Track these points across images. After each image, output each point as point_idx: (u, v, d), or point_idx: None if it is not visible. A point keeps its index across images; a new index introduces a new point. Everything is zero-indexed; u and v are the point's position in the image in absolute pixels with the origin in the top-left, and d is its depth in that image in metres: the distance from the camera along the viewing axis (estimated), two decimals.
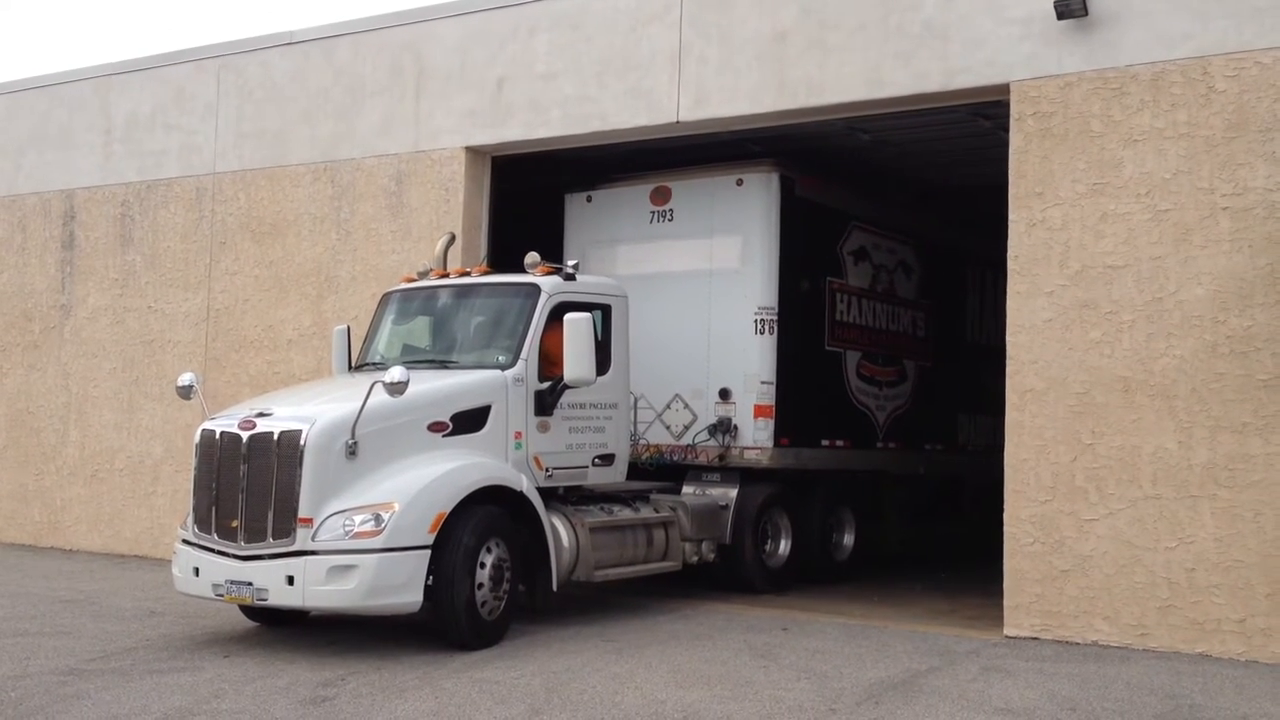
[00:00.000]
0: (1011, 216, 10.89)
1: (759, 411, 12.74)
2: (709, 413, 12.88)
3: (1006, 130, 11.11)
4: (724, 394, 12.81)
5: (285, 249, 15.16)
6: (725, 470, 12.87)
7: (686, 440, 12.97)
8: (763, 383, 12.79)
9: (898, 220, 15.25)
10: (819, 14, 11.91)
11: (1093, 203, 10.52)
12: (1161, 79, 10.30)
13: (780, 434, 12.85)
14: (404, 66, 14.45)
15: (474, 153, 14.05)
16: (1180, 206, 10.17)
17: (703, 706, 7.86)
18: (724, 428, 12.73)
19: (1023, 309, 10.77)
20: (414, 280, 11.75)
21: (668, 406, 13.08)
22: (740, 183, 13.00)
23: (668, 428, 13.08)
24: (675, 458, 12.99)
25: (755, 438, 12.73)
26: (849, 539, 14.24)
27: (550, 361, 10.54)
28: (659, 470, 13.02)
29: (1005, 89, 11.00)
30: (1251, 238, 9.91)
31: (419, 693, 8.10)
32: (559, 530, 10.50)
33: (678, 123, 12.70)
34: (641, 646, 9.86)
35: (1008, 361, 10.82)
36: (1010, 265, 10.87)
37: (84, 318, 16.79)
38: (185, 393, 10.43)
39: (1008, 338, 10.84)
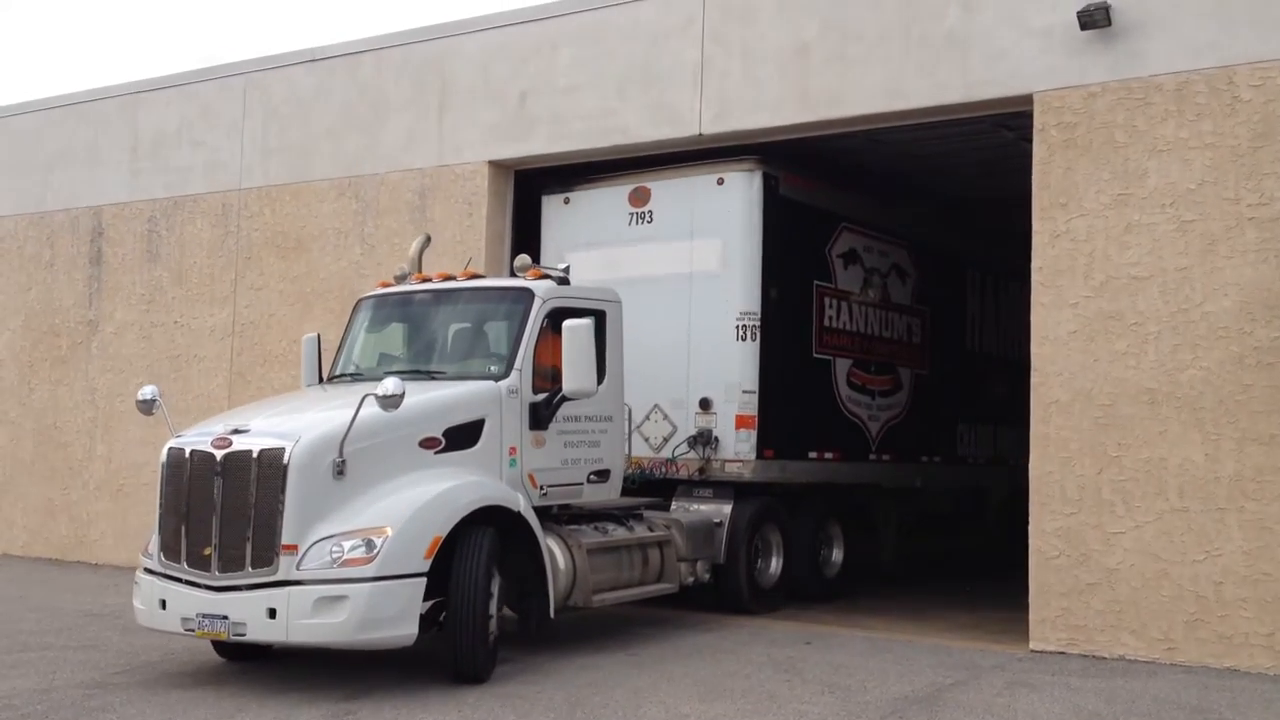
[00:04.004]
0: (1035, 227, 10.84)
1: (741, 422, 12.20)
2: (689, 424, 12.32)
3: (1029, 141, 11.06)
4: (704, 404, 12.27)
5: (310, 264, 15.24)
6: (718, 485, 12.29)
7: (666, 453, 12.39)
8: (744, 392, 12.24)
9: (891, 222, 14.66)
10: (840, 26, 11.91)
11: (1117, 213, 10.45)
12: (1186, 89, 10.24)
13: (763, 446, 12.30)
14: (427, 81, 14.52)
15: (497, 167, 14.10)
16: (1206, 217, 10.10)
17: None
18: (704, 439, 12.17)
19: (1047, 320, 10.70)
20: (390, 285, 11.05)
21: (646, 418, 12.50)
22: (721, 182, 12.49)
23: (646, 440, 12.50)
24: (657, 473, 12.39)
25: (737, 450, 12.17)
26: (838, 555, 13.70)
27: (544, 372, 9.98)
28: (642, 487, 12.26)
29: (1028, 100, 10.96)
30: (1278, 248, 9.82)
31: (442, 707, 8.08)
32: (555, 553, 9.82)
33: (700, 135, 12.71)
34: (663, 660, 9.82)
35: (1032, 373, 10.75)
36: (1034, 276, 10.82)
37: (111, 333, 16.92)
38: (147, 407, 9.62)
39: (1032, 349, 10.77)
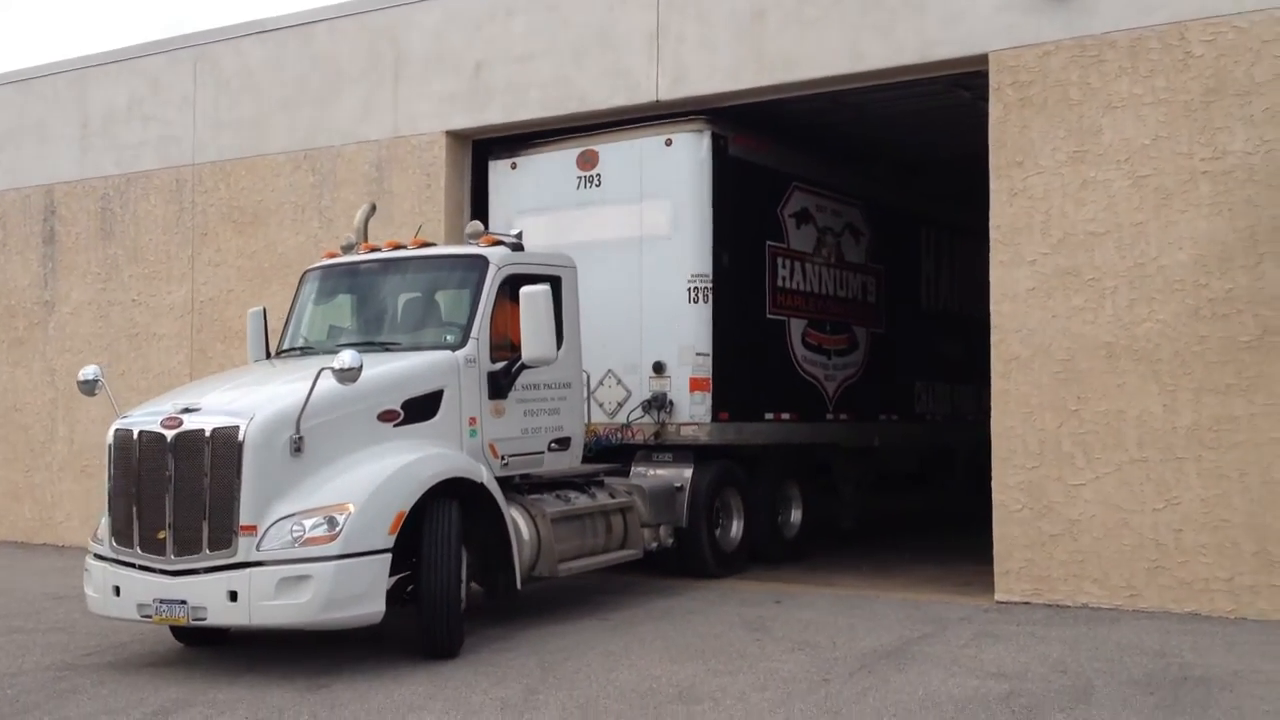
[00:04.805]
0: (992, 186, 10.93)
1: (695, 385, 12.09)
2: (643, 388, 12.21)
3: (986, 101, 11.12)
4: (658, 368, 12.15)
5: (268, 238, 15.12)
6: (677, 449, 12.22)
7: (621, 418, 12.27)
8: (698, 354, 12.12)
9: (844, 181, 14.57)
10: None
11: (1073, 170, 10.55)
12: (1139, 45, 10.33)
13: (718, 408, 12.19)
14: (381, 52, 14.39)
15: (454, 137, 14.02)
16: (1160, 172, 10.22)
17: (697, 680, 7.91)
18: (659, 403, 12.06)
19: (1006, 278, 10.81)
20: (337, 255, 10.78)
21: (600, 383, 12.35)
22: (669, 143, 12.31)
23: (600, 405, 12.35)
24: (613, 439, 12.28)
25: (692, 413, 12.07)
26: (797, 516, 13.68)
27: (501, 340, 9.80)
28: (599, 454, 12.07)
29: (984, 59, 11.02)
30: (1231, 201, 9.96)
31: (414, 677, 8.12)
32: (519, 523, 9.69)
33: (657, 102, 12.68)
34: (635, 623, 9.91)
35: (992, 330, 10.87)
36: (992, 235, 10.91)
37: (68, 313, 16.73)
38: (89, 388, 9.30)
39: (991, 306, 10.88)
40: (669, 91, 12.59)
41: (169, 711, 7.39)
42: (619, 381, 12.41)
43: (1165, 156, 10.20)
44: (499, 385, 9.77)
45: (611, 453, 12.29)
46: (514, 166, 13.40)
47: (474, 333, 9.68)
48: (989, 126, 10.98)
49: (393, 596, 8.58)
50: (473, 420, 9.58)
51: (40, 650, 9.30)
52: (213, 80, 15.63)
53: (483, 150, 14.06)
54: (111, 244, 16.41)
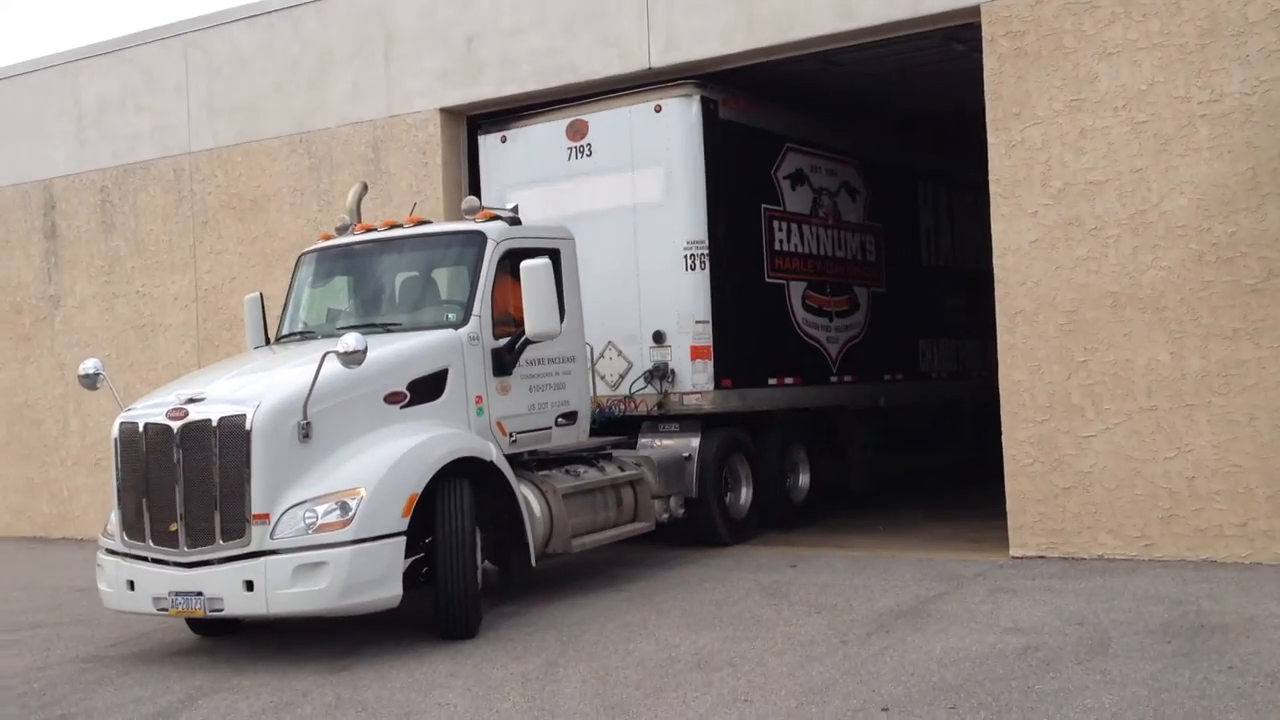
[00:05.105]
0: (990, 139, 10.86)
1: (696, 353, 12.01)
2: (644, 358, 12.14)
3: (980, 53, 11.04)
4: (658, 337, 12.08)
5: (268, 224, 15.12)
6: (684, 418, 12.16)
7: (623, 390, 12.21)
8: (698, 322, 12.04)
9: (838, 140, 14.41)
10: None
11: (1071, 119, 10.49)
12: None
13: (721, 375, 12.12)
14: (371, 31, 14.32)
15: (448, 114, 13.97)
16: (1158, 117, 10.15)
17: (716, 648, 7.96)
18: (660, 373, 11.99)
19: (1008, 231, 10.77)
20: (332, 237, 10.69)
21: (602, 355, 12.24)
22: (659, 109, 12.16)
23: (603, 378, 12.26)
24: (616, 411, 12.21)
25: (694, 381, 11.99)
26: (805, 480, 13.63)
27: (503, 316, 9.74)
28: (604, 426, 11.95)
29: (976, 11, 10.93)
30: (1231, 144, 9.90)
31: (434, 656, 8.19)
32: (530, 501, 9.63)
33: (650, 69, 12.60)
34: (652, 593, 9.95)
35: (996, 285, 10.84)
36: (992, 188, 10.86)
37: (73, 307, 16.76)
38: (90, 382, 9.26)
39: (994, 260, 10.85)
40: (661, 58, 12.51)
41: (194, 699, 7.47)
42: (620, 353, 12.34)
43: (1163, 101, 10.13)
44: (503, 362, 9.71)
45: (616, 424, 12.26)
46: (504, 140, 13.29)
47: (476, 310, 9.60)
48: (984, 79, 10.91)
49: (408, 579, 8.58)
50: (479, 399, 9.53)
51: (65, 643, 9.40)
52: (205, 67, 15.58)
53: (477, 126, 14.01)
54: (113, 236, 16.42)
